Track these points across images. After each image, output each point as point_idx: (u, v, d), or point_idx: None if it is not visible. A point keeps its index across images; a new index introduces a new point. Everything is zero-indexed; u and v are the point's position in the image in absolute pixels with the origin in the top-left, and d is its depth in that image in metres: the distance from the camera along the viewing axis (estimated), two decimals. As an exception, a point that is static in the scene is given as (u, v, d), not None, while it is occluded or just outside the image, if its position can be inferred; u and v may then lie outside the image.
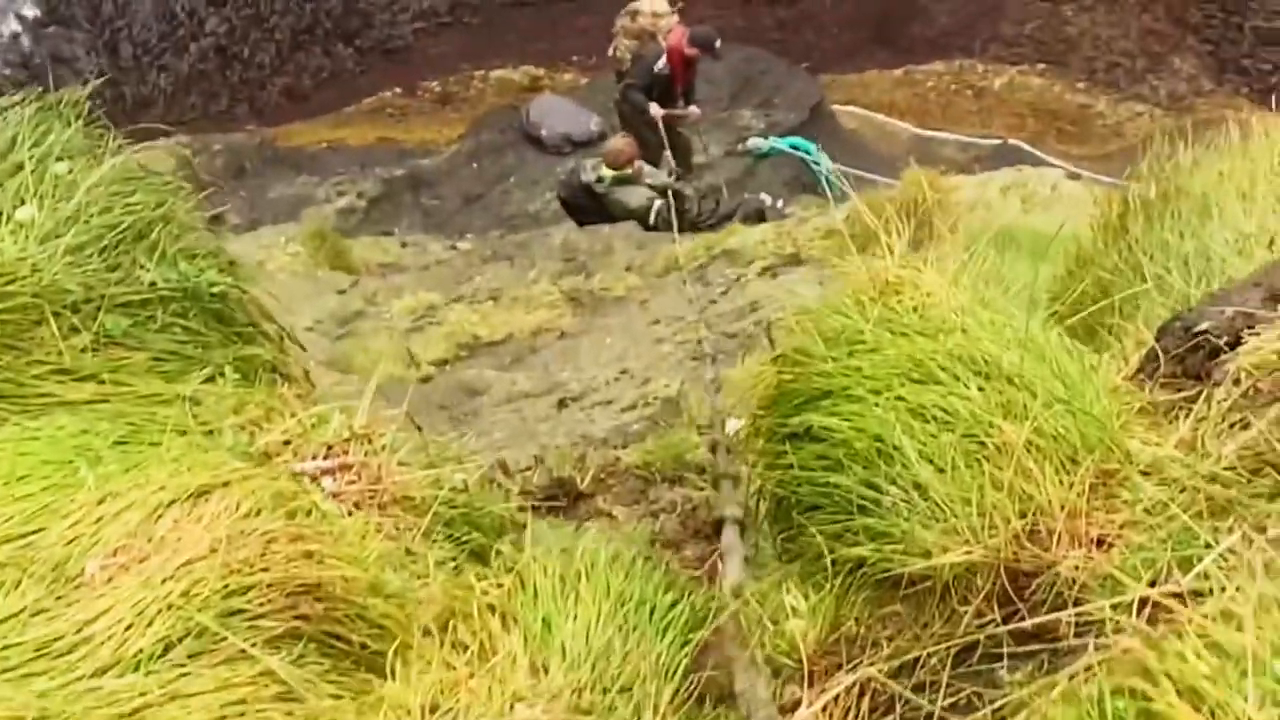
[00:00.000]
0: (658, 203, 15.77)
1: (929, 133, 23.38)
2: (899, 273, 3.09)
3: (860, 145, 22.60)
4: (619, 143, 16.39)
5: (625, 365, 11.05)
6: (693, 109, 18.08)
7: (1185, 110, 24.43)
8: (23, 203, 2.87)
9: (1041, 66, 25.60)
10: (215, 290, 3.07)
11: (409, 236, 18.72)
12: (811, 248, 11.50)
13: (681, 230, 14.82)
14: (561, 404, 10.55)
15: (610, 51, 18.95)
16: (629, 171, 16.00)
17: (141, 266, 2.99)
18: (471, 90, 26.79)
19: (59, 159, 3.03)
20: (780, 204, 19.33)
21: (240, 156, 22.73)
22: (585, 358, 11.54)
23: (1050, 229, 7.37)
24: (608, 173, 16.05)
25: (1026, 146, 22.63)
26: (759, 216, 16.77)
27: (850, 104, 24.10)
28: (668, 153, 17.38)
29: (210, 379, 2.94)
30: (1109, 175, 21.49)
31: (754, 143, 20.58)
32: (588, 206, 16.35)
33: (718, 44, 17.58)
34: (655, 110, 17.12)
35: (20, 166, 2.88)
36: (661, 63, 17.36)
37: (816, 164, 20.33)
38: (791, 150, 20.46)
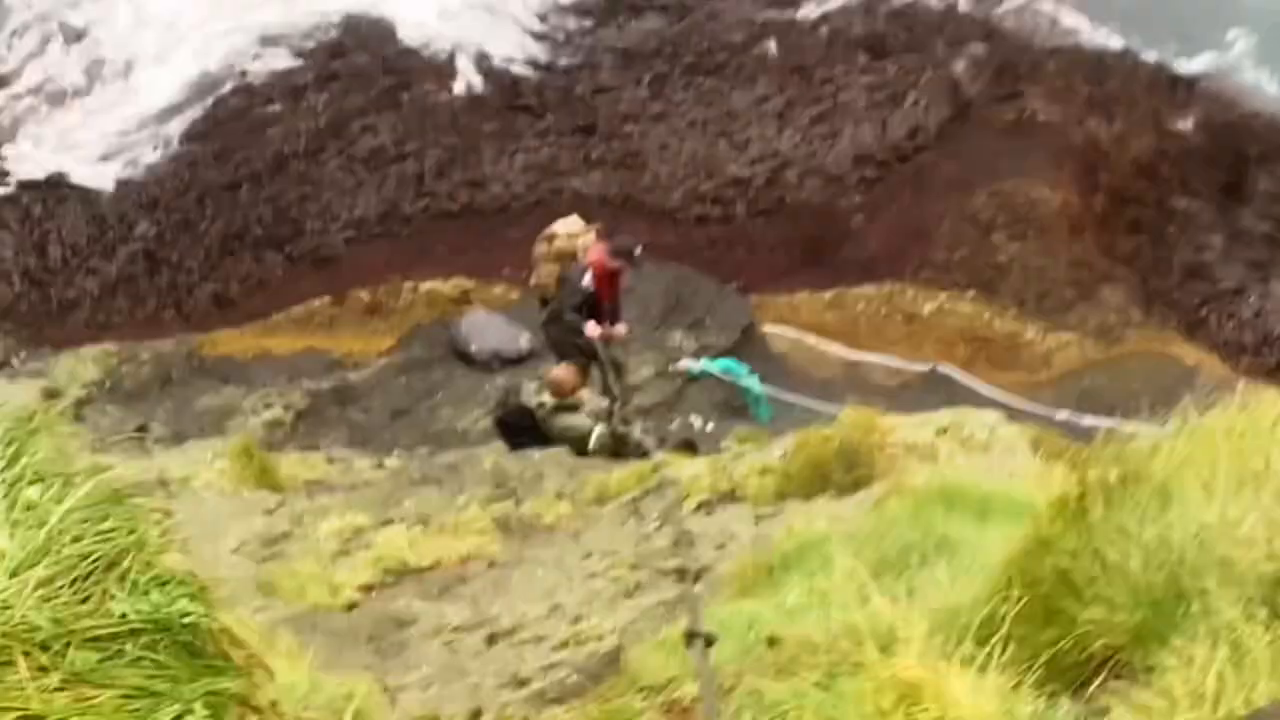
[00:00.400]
0: (598, 429, 15.71)
1: (859, 356, 23.52)
2: (920, 675, 2.98)
3: (791, 368, 22.75)
4: (562, 373, 16.27)
5: (557, 600, 10.86)
6: (621, 327, 17.97)
7: (1114, 341, 24.75)
8: (-6, 533, 2.76)
9: (972, 293, 25.90)
10: (186, 620, 2.95)
11: (336, 452, 18.53)
12: (748, 485, 11.42)
13: (618, 457, 14.77)
14: (491, 640, 10.35)
15: (532, 280, 18.83)
16: (570, 400, 16.00)
17: (112, 597, 2.87)
18: (401, 301, 26.82)
19: (32, 482, 2.92)
20: (710, 427, 19.36)
21: (167, 365, 22.58)
22: (516, 590, 11.35)
23: (995, 483, 7.31)
24: (549, 399, 16.00)
25: (956, 373, 22.80)
26: (689, 445, 16.76)
27: (781, 325, 24.25)
28: (602, 374, 17.32)
29: (179, 716, 2.81)
30: (1037, 404, 21.74)
31: (685, 364, 20.64)
32: (525, 429, 16.23)
33: (638, 252, 17.47)
34: (591, 329, 17.01)
35: (-10, 492, 2.79)
36: (587, 279, 17.24)
37: (748, 388, 20.41)
38: (723, 374, 20.52)
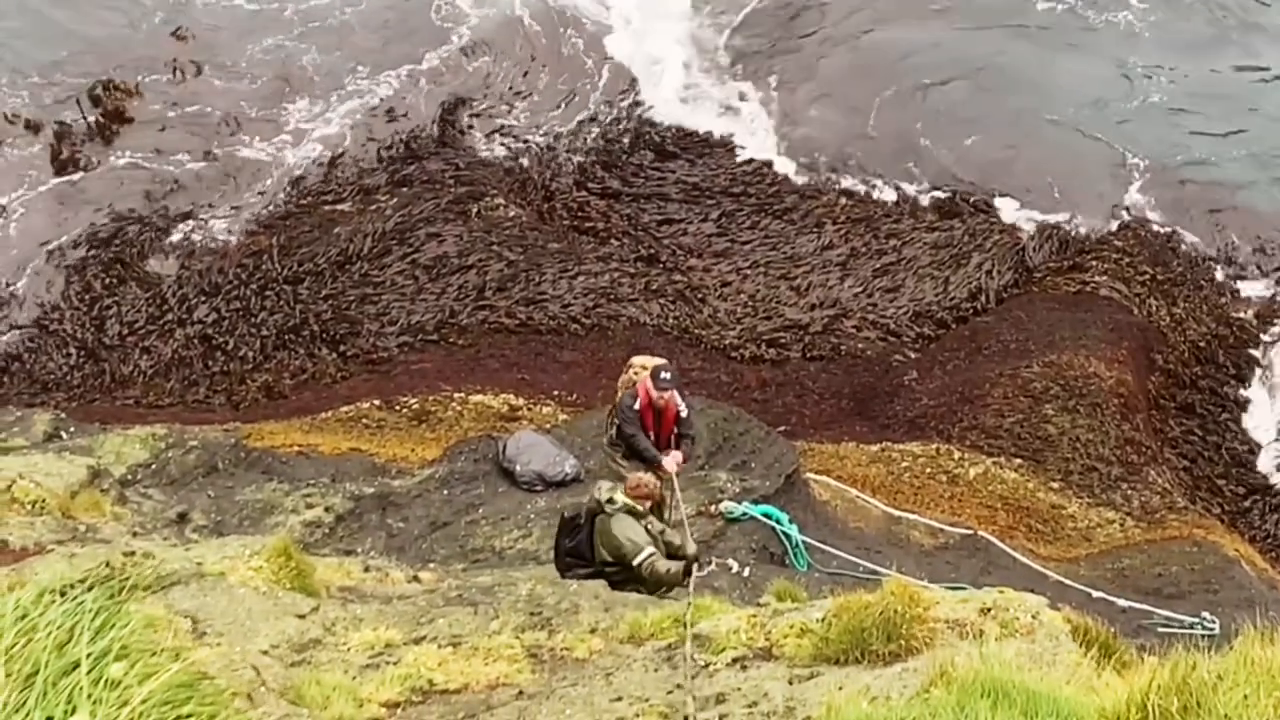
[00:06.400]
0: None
1: (899, 513, 23.45)
2: None
3: (831, 518, 22.67)
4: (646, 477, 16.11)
5: (583, 744, 10.84)
6: (675, 454, 18.05)
7: (1156, 523, 24.60)
8: (74, 710, 2.74)
9: (1018, 461, 25.81)
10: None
11: (372, 560, 18.52)
12: (784, 644, 11.37)
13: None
14: (514, 774, 10.30)
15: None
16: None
17: (188, 786, 2.86)
18: (449, 411, 26.84)
19: (118, 658, 2.91)
20: (746, 572, 19.28)
21: (213, 453, 22.64)
22: (541, 725, 11.30)
23: (1041, 682, 7.26)
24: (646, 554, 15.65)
25: (996, 541, 22.70)
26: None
27: (825, 474, 24.22)
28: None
29: None
30: (1072, 579, 21.61)
31: (727, 506, 20.61)
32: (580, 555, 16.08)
33: (663, 374, 17.64)
34: (669, 463, 17.21)
35: (76, 664, 2.76)
36: (637, 403, 17.59)
37: (788, 536, 20.37)
38: (763, 518, 20.49)
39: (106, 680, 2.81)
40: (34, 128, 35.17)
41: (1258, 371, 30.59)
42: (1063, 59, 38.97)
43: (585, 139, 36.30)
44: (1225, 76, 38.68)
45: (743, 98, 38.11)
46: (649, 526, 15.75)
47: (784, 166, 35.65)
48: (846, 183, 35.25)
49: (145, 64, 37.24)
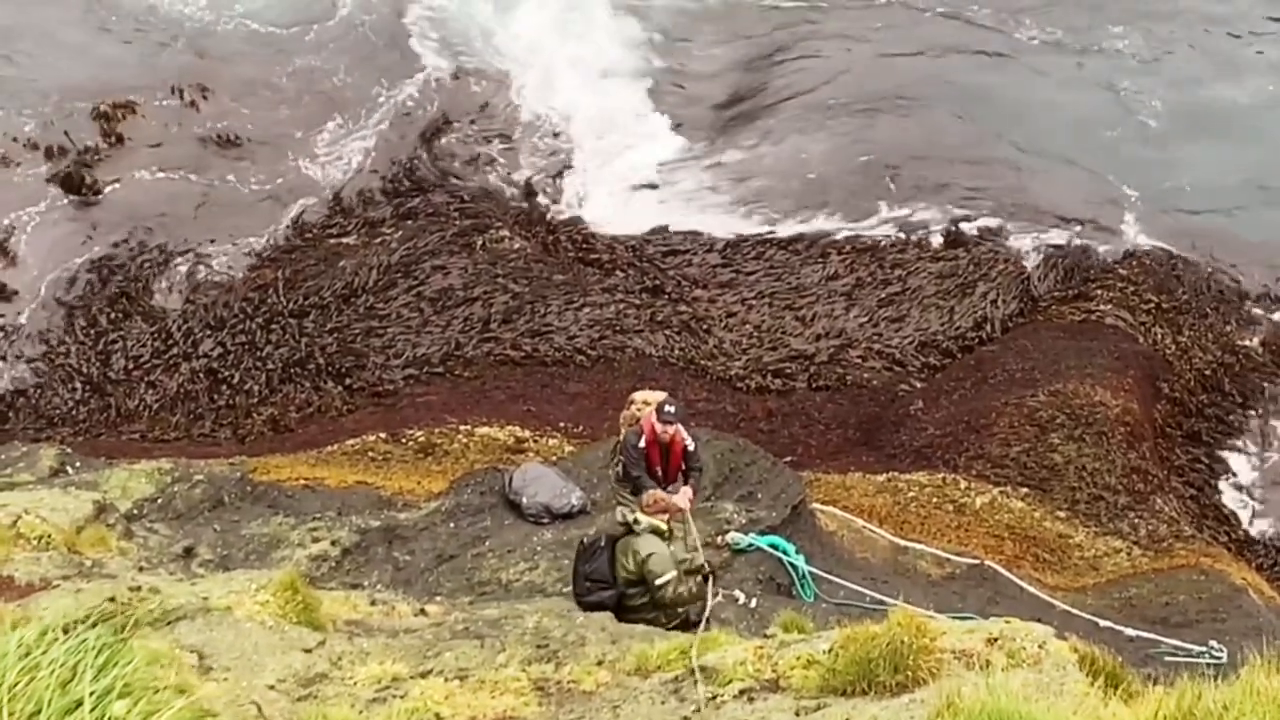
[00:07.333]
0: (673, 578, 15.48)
1: (906, 543, 23.41)
2: None
3: (838, 548, 22.63)
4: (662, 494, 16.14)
5: (591, 779, 10.82)
6: (685, 491, 17.95)
7: (1163, 552, 24.55)
8: (74, 750, 2.73)
9: (1024, 490, 25.76)
10: None
11: (379, 594, 18.50)
12: (791, 676, 11.33)
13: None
14: (521, 808, 10.27)
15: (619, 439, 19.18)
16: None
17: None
18: (455, 444, 26.82)
19: (121, 695, 2.89)
20: (754, 603, 19.23)
21: (219, 487, 22.63)
22: (548, 757, 11.29)
23: (1047, 714, 7.24)
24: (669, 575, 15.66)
25: (1002, 570, 22.65)
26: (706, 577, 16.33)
27: (831, 504, 24.18)
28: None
29: None
30: (1079, 608, 21.55)
31: (733, 537, 20.57)
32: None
33: (667, 408, 17.53)
34: (681, 500, 16.99)
35: (79, 703, 2.73)
36: (642, 441, 17.51)
37: (794, 566, 20.33)
38: (770, 549, 20.45)
39: (109, 718, 2.79)
40: (46, 152, 35.31)
41: (1250, 423, 30.53)
42: (1052, 88, 39.16)
43: (584, 171, 36.42)
44: (1214, 103, 38.77)
45: (732, 127, 38.30)
46: (673, 551, 15.71)
47: (779, 202, 35.77)
48: (845, 216, 35.28)
49: (159, 90, 37.44)
